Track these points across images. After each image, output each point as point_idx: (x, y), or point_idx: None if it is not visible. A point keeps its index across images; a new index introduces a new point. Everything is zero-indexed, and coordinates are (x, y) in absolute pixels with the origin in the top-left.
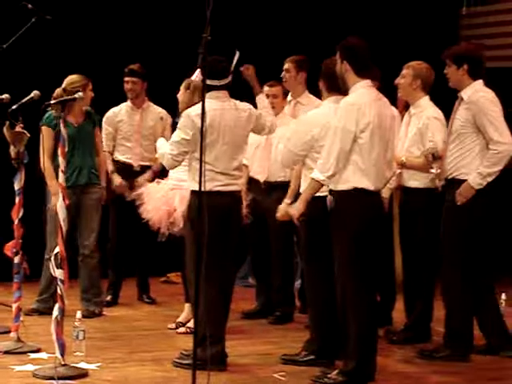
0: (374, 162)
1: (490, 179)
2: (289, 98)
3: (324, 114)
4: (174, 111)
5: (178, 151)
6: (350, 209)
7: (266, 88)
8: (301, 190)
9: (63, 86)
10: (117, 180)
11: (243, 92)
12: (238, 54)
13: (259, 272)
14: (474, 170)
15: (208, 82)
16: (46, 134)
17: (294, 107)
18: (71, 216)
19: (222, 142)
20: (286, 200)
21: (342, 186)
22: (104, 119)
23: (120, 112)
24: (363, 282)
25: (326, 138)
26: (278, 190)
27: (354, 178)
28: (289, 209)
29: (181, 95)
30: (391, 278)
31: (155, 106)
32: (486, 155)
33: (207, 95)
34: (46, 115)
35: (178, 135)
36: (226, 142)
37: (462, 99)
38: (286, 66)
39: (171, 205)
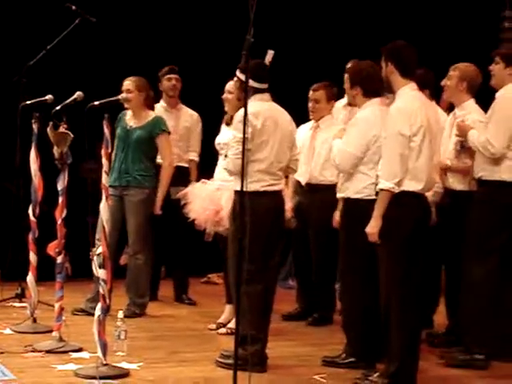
0: (422, 165)
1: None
2: (342, 103)
3: (375, 115)
4: (206, 114)
5: (239, 150)
6: (398, 212)
7: (310, 92)
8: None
9: None
10: None
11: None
12: (271, 54)
13: (300, 274)
14: (504, 170)
15: (254, 84)
16: None
17: (350, 112)
18: (115, 215)
19: (273, 142)
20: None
21: None
22: None
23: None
24: (411, 286)
25: (380, 139)
26: (319, 192)
27: (402, 181)
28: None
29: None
30: (436, 281)
31: (187, 108)
32: (508, 155)
33: (253, 97)
34: None
35: (234, 135)
36: (275, 141)
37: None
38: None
39: (218, 204)
